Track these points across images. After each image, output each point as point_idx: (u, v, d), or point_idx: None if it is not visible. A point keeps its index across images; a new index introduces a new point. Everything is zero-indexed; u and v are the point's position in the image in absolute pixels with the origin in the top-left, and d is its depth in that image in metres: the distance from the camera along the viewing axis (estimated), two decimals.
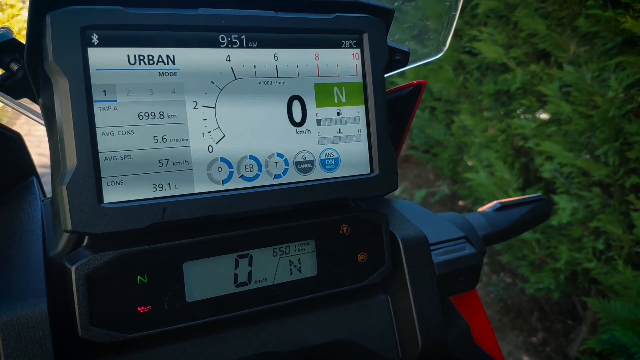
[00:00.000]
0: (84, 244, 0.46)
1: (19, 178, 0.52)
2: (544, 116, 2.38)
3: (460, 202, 3.45)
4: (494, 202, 0.80)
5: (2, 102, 0.52)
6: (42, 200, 0.52)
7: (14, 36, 0.47)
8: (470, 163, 3.02)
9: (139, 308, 0.44)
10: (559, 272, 2.22)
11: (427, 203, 3.51)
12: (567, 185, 2.16)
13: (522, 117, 2.54)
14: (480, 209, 0.80)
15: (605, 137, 1.90)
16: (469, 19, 2.77)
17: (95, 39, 0.42)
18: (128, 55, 0.43)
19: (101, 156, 0.42)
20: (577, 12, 2.07)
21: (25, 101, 0.51)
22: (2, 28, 0.48)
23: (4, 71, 0.48)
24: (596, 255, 2.03)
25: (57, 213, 0.48)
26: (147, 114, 0.43)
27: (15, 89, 0.48)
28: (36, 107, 0.54)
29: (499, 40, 2.48)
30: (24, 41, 0.46)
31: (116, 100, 0.42)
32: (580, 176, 2.09)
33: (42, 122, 0.53)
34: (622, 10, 1.74)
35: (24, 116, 0.56)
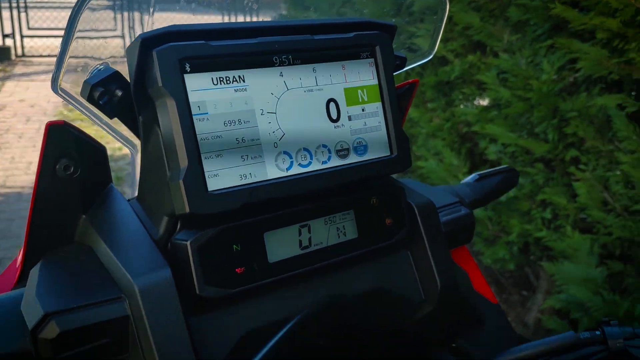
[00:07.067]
0: (179, 228, 0.56)
1: (104, 185, 0.61)
2: (484, 102, 2.55)
3: None
4: (473, 174, 0.93)
5: (95, 121, 0.62)
6: (129, 200, 0.62)
7: (115, 69, 0.57)
8: (418, 153, 3.17)
9: (236, 270, 0.56)
10: (512, 245, 2.39)
11: None
12: (512, 164, 2.33)
13: (463, 105, 2.70)
14: (462, 181, 0.93)
15: (542, 116, 2.07)
16: (406, 18, 2.92)
17: (188, 67, 0.54)
18: (212, 78, 0.55)
19: (203, 156, 0.54)
20: (507, 3, 2.24)
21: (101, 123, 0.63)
22: (103, 64, 0.58)
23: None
24: (545, 224, 2.20)
25: (151, 205, 0.59)
26: (230, 122, 0.56)
27: (111, 111, 0.58)
28: (122, 128, 0.62)
29: None
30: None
31: (208, 113, 0.55)
32: (524, 154, 2.25)
33: (119, 138, 0.66)
34: None
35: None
